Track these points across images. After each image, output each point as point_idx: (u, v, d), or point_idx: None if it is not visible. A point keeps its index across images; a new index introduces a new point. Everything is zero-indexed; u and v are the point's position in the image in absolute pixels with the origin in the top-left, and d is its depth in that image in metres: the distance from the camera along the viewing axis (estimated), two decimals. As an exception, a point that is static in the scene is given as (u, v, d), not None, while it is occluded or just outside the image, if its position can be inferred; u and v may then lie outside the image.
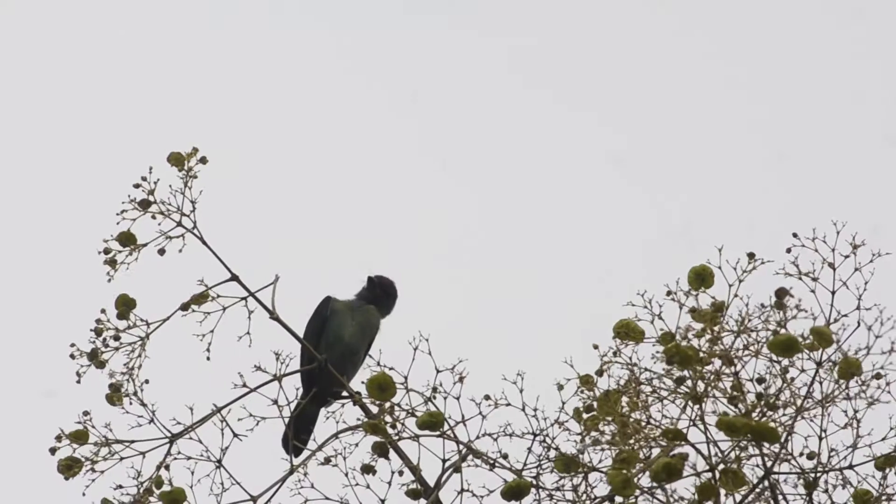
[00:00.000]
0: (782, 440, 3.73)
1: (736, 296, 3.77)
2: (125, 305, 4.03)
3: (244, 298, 4.12)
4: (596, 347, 3.83)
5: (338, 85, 7.70)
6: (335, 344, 4.35)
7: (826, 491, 3.82)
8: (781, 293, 3.75)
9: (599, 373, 3.82)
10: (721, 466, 3.63)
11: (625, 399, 3.76)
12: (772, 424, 3.63)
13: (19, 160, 7.46)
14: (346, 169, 7.27)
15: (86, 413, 3.96)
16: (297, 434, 4.08)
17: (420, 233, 6.90)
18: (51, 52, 7.75)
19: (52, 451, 3.95)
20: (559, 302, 6.44)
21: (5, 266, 6.78)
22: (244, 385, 3.98)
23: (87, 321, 4.06)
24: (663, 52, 7.76)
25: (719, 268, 3.78)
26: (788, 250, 3.80)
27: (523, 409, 3.86)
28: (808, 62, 7.63)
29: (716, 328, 3.71)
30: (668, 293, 3.77)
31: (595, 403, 3.79)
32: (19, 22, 7.84)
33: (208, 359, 4.07)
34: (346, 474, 3.94)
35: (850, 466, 3.82)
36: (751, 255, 3.80)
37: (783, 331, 3.70)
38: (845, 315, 3.80)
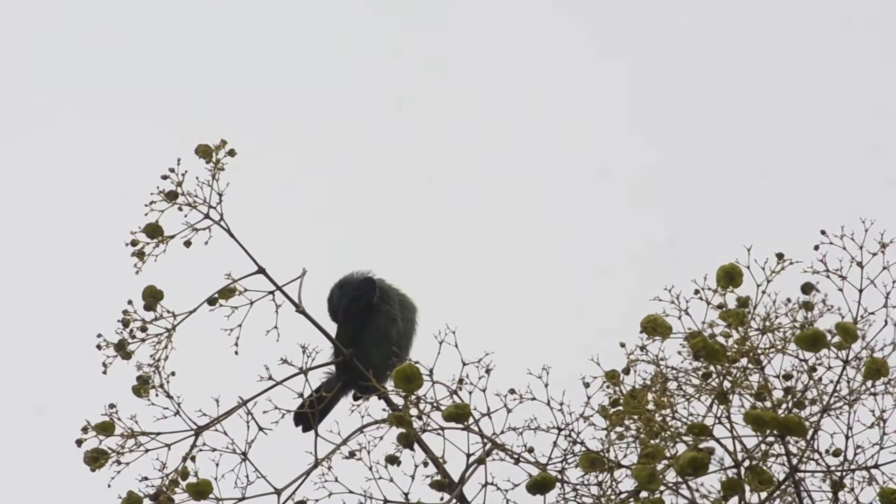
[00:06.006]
0: (808, 437, 3.72)
1: (764, 293, 3.76)
2: (152, 297, 4.03)
3: (272, 292, 4.12)
4: (623, 346, 3.82)
5: (359, 73, 7.73)
6: (387, 338, 4.37)
7: (852, 490, 3.80)
8: (807, 288, 3.75)
9: (626, 371, 3.81)
10: (746, 463, 3.62)
11: (650, 395, 3.75)
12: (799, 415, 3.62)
13: (41, 156, 7.49)
14: (371, 160, 7.29)
15: (112, 405, 3.96)
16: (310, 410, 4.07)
17: (443, 226, 6.92)
18: (87, 46, 7.79)
19: (79, 442, 3.94)
20: (582, 298, 6.45)
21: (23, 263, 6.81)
22: (270, 378, 3.99)
23: (102, 317, 4.08)
24: (652, 64, 7.78)
25: (747, 267, 3.78)
26: (816, 248, 3.79)
27: (548, 404, 3.85)
28: (793, 73, 7.64)
29: (743, 328, 3.70)
30: (696, 291, 3.77)
31: (621, 399, 3.78)
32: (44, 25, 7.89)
33: (236, 353, 4.07)
34: (371, 468, 3.94)
35: (877, 465, 3.80)
36: (780, 256, 3.79)
37: (810, 325, 3.69)
38: (872, 313, 3.79)
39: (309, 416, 4.06)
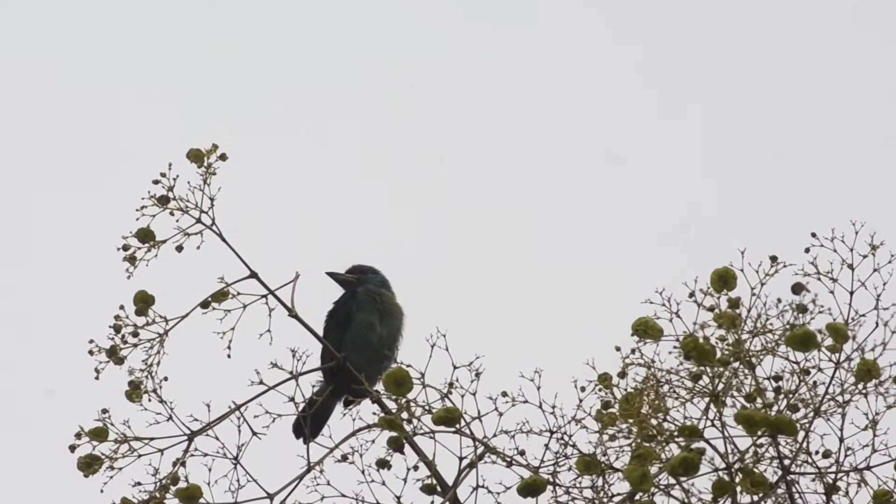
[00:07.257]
0: (801, 438, 3.72)
1: (755, 296, 3.76)
2: (144, 302, 4.01)
3: (264, 296, 4.11)
4: (618, 349, 3.81)
5: (352, 77, 7.75)
6: (365, 341, 4.37)
7: (847, 493, 3.80)
8: (797, 288, 3.74)
9: (622, 374, 3.80)
10: (738, 465, 3.62)
11: (644, 398, 3.75)
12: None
13: (35, 158, 7.49)
14: (363, 166, 7.30)
15: (104, 411, 3.95)
16: (311, 424, 4.08)
17: (436, 231, 6.92)
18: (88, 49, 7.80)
19: (72, 448, 3.93)
20: (574, 299, 6.45)
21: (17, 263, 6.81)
22: (261, 382, 3.98)
23: (96, 321, 4.07)
24: (661, 56, 7.78)
25: (741, 270, 3.77)
26: (807, 250, 3.79)
27: (540, 407, 3.85)
28: (807, 63, 7.65)
29: (735, 330, 3.70)
30: (691, 295, 3.76)
31: (614, 402, 3.78)
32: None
33: (229, 356, 4.06)
34: (363, 471, 3.94)
35: (869, 467, 3.79)
36: (773, 259, 3.79)
37: (801, 325, 3.69)
38: (863, 315, 3.78)
39: (303, 422, 4.07)
